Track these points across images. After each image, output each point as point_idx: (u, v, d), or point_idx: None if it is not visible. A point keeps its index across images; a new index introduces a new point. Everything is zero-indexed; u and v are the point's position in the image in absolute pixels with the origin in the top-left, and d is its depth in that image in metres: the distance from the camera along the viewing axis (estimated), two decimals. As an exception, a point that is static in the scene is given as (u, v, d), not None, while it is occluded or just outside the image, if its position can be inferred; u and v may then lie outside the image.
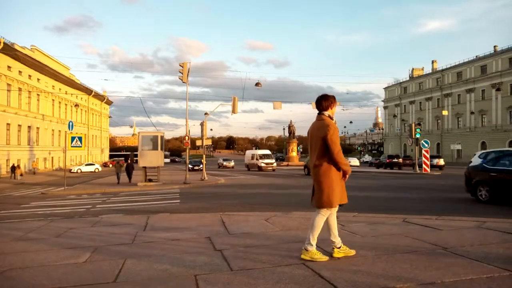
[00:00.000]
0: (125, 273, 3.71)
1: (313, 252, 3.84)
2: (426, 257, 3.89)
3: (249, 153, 44.18)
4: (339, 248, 3.94)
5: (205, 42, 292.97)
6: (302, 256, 3.86)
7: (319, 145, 3.77)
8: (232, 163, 50.24)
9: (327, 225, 3.93)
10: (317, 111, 3.97)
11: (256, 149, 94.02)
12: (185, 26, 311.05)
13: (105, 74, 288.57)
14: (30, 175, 37.10)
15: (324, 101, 3.90)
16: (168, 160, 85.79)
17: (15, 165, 35.16)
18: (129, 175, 24.33)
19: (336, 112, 4.03)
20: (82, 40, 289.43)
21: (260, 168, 37.08)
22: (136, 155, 24.82)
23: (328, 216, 3.91)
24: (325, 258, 3.83)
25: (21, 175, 34.73)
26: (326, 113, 3.91)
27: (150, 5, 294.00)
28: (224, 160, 53.49)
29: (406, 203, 10.51)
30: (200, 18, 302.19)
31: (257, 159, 38.53)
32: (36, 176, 37.83)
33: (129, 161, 26.61)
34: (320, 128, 3.80)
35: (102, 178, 30.80)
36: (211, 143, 39.71)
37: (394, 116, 76.67)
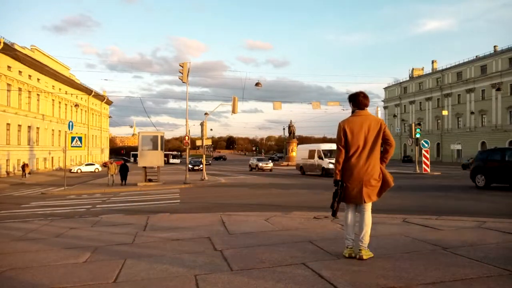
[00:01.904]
0: (125, 273, 3.71)
1: (368, 249, 3.85)
2: (426, 257, 3.89)
3: (304, 148, 30.76)
4: (351, 248, 3.93)
5: (204, 41, 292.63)
6: (365, 257, 3.76)
7: (376, 140, 3.80)
8: (270, 165, 37.78)
9: (350, 224, 3.90)
10: (356, 107, 3.95)
11: (256, 149, 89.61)
12: (183, 26, 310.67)
13: (104, 74, 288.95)
14: (18, 177, 35.77)
15: (367, 99, 3.94)
16: (178, 161, 77.50)
17: (25, 163, 37.48)
18: (124, 177, 22.86)
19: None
20: (80, 40, 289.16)
21: (326, 172, 25.15)
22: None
23: (351, 215, 3.91)
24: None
25: (29, 173, 37.06)
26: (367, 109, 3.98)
27: (149, 4, 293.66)
28: (259, 160, 40.67)
29: (405, 202, 10.51)
30: (199, 17, 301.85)
31: (320, 158, 26.70)
32: (24, 177, 35.45)
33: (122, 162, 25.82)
34: (377, 120, 3.86)
35: (102, 178, 30.79)
36: (211, 143, 39.45)
37: (394, 116, 76.66)
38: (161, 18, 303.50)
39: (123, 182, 22.73)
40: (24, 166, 36.81)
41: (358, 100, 3.92)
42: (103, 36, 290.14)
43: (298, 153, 32.66)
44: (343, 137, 3.85)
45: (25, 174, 35.96)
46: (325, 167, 25.70)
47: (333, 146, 26.14)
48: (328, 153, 26.61)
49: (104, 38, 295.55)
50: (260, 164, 38.29)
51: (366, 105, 3.94)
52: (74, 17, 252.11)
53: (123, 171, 22.97)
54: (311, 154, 28.14)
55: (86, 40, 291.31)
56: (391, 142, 3.87)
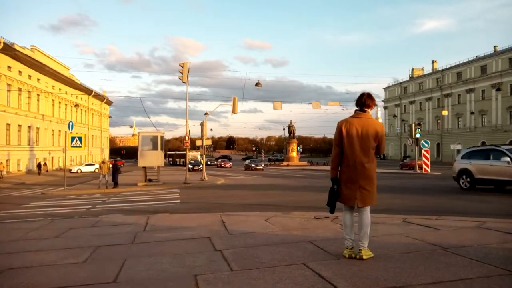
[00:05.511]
0: (125, 273, 3.71)
1: (368, 250, 3.85)
2: (426, 257, 3.89)
3: None
4: (351, 248, 3.91)
5: (202, 41, 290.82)
6: (365, 257, 3.75)
7: (371, 143, 3.79)
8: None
9: (348, 225, 3.90)
10: (358, 108, 3.91)
11: (256, 149, 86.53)
12: (181, 25, 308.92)
13: (103, 74, 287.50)
14: (17, 177, 34.39)
15: (370, 100, 3.89)
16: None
17: (41, 163, 40.45)
18: (115, 179, 20.59)
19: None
20: (78, 40, 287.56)
21: None
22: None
23: (349, 215, 3.90)
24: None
25: (47, 171, 40.15)
26: (370, 111, 3.93)
27: (146, 3, 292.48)
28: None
29: (405, 202, 10.51)
30: (196, 17, 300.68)
31: None
32: (4, 180, 32.23)
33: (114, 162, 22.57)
34: (374, 126, 3.82)
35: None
36: (211, 143, 39.41)
37: (394, 116, 76.71)
38: (158, 17, 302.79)
39: (114, 184, 20.49)
40: (40, 165, 39.11)
41: (361, 100, 3.89)
42: (100, 35, 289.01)
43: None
44: (339, 137, 3.87)
45: (39, 172, 38.41)
46: None
47: None
48: None
49: (102, 38, 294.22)
50: None
51: (369, 106, 3.89)
52: (72, 17, 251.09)
53: (113, 172, 20.71)
54: None
55: (83, 40, 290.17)
56: (379, 152, 3.88)
